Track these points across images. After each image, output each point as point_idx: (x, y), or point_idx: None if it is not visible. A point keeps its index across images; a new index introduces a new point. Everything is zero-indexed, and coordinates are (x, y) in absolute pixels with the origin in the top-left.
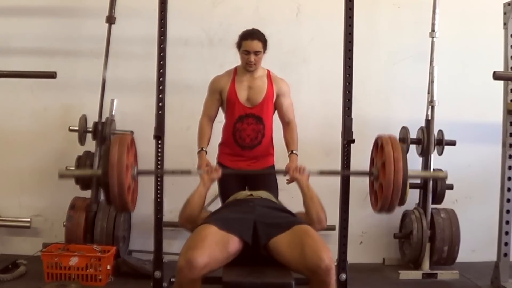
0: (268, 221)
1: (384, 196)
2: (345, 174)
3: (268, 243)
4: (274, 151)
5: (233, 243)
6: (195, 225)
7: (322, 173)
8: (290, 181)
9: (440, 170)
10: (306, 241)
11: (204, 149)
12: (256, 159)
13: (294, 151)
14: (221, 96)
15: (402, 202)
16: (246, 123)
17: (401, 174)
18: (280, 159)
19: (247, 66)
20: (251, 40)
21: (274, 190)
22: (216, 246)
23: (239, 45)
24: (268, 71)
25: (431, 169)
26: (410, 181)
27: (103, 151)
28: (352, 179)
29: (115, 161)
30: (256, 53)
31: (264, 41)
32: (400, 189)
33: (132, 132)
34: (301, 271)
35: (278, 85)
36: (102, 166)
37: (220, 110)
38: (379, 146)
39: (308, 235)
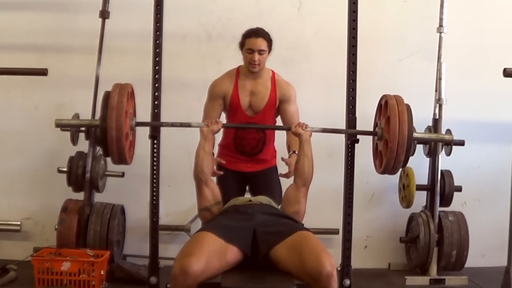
0: (268, 229)
1: (389, 150)
2: (350, 132)
3: (268, 252)
4: (276, 153)
5: (232, 253)
6: (206, 180)
7: (325, 130)
8: (284, 175)
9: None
10: (306, 247)
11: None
12: (258, 161)
13: (295, 152)
14: (224, 101)
15: (406, 162)
16: (247, 131)
17: (406, 125)
18: (281, 161)
19: (251, 67)
20: (255, 38)
21: (277, 193)
22: (214, 254)
23: (242, 44)
24: (273, 73)
25: (439, 171)
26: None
27: (102, 98)
28: (356, 179)
29: (114, 104)
30: (260, 52)
31: (269, 40)
32: (406, 141)
33: (132, 87)
34: (302, 278)
35: (282, 90)
36: (101, 110)
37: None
38: (383, 104)
39: (308, 240)
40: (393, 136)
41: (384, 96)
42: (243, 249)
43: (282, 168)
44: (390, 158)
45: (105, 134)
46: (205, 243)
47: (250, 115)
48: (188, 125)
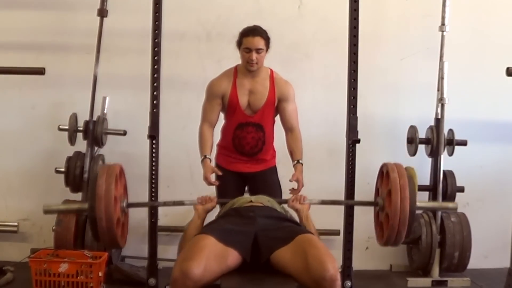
0: (270, 233)
1: (390, 226)
2: (349, 203)
3: (269, 257)
4: (276, 153)
5: (232, 258)
6: None
7: (324, 202)
8: (293, 192)
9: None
10: (310, 251)
11: (207, 156)
12: (257, 161)
13: (300, 161)
14: (223, 101)
15: (409, 233)
16: (245, 131)
17: (407, 202)
18: (281, 161)
19: (248, 66)
20: (253, 37)
21: (277, 194)
22: (213, 258)
23: (239, 43)
24: (271, 71)
25: (441, 171)
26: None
27: (89, 183)
28: (358, 179)
29: (102, 193)
30: (258, 50)
31: (266, 38)
32: (408, 218)
33: (121, 167)
34: (305, 283)
35: (280, 89)
36: (89, 199)
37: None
38: (384, 174)
39: (311, 244)
40: (394, 212)
41: (385, 165)
42: (242, 254)
43: (282, 169)
44: (391, 233)
45: (95, 223)
46: (205, 247)
47: (249, 114)
48: (181, 203)
